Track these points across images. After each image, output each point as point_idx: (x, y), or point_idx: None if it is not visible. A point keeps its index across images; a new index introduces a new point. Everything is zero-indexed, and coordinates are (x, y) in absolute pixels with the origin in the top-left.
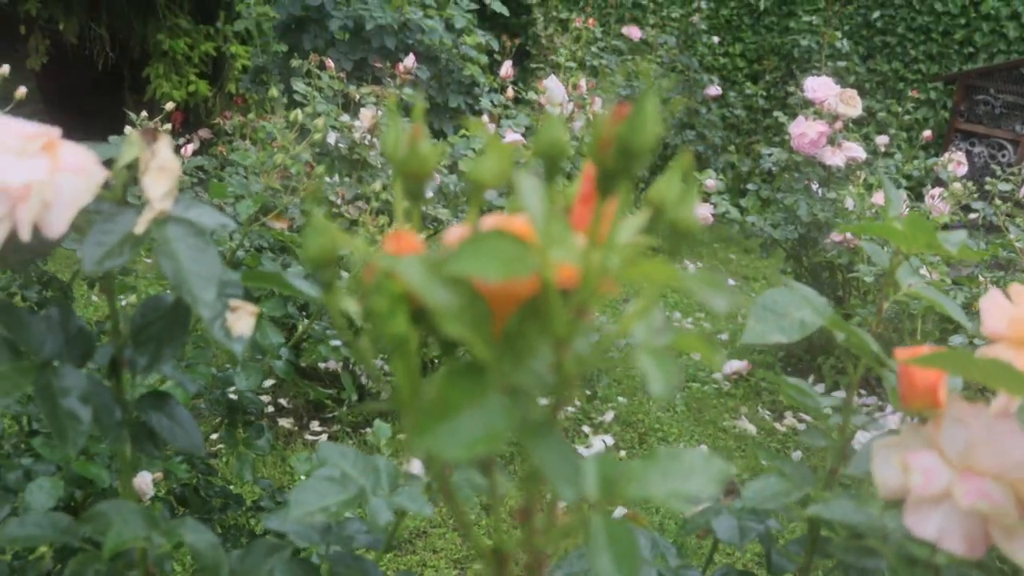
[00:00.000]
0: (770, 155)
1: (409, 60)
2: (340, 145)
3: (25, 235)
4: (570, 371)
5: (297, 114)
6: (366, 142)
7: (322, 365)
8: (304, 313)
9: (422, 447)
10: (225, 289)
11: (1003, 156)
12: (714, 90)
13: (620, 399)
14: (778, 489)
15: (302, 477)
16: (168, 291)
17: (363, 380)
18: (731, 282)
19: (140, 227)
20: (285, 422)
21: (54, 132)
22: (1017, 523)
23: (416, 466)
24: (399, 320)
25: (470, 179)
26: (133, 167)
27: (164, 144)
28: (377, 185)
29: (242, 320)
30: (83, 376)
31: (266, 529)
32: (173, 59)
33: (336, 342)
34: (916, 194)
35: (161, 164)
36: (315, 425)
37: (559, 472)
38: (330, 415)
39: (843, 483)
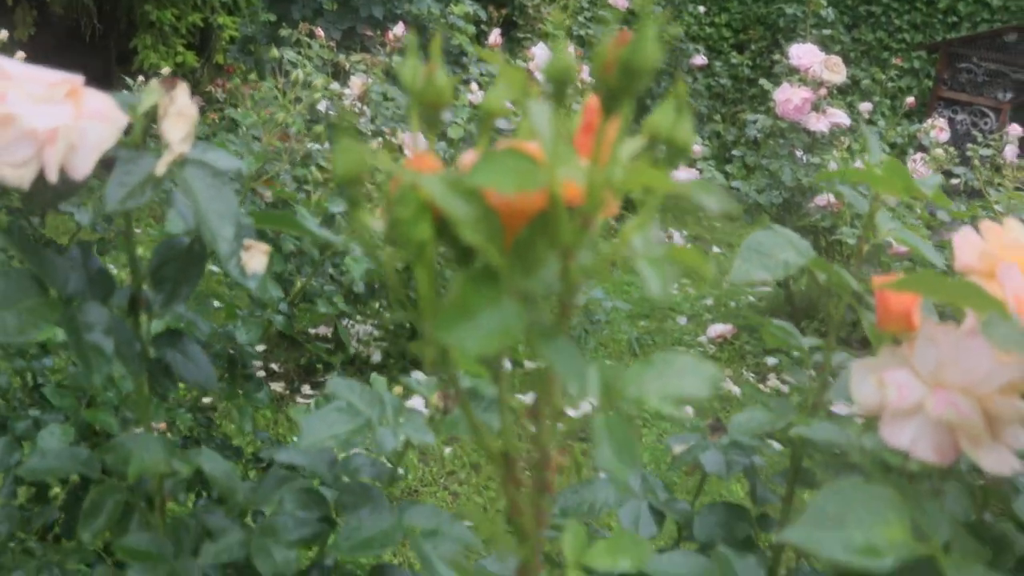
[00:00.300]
0: (755, 122)
1: (399, 28)
2: (331, 112)
3: (53, 176)
4: (575, 279)
5: (298, 74)
6: (356, 110)
7: (312, 331)
8: (300, 272)
9: (445, 342)
10: (239, 231)
11: (985, 124)
12: (700, 60)
13: (607, 363)
14: (763, 419)
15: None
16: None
17: (354, 344)
18: (716, 249)
19: (161, 168)
20: (277, 386)
21: (77, 80)
22: (983, 432)
23: (417, 403)
24: (423, 227)
25: (481, 109)
26: (150, 115)
27: (182, 91)
28: (373, 145)
29: (256, 258)
30: (105, 311)
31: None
32: (160, 30)
33: (326, 309)
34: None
35: (179, 110)
36: (307, 388)
37: (567, 369)
38: (321, 379)
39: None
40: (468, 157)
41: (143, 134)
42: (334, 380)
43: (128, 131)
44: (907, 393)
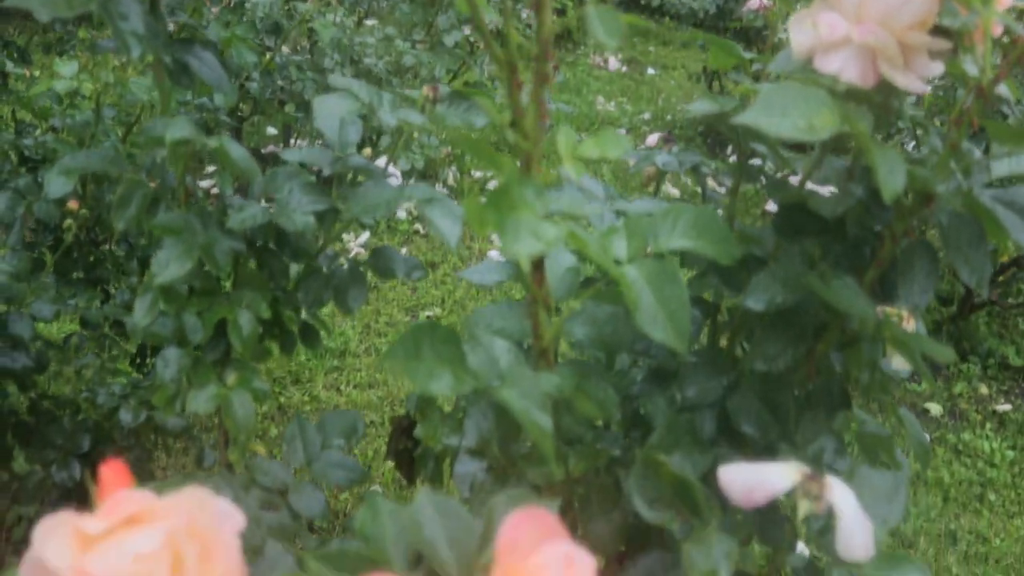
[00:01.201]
0: None
1: None
2: None
3: None
4: None
5: None
6: None
7: (264, 150)
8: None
9: None
10: None
11: None
12: None
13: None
14: (713, 106)
15: None
16: None
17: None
18: (651, 71)
19: None
20: None
21: None
22: (896, 55)
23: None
24: None
25: None
26: None
27: None
28: None
29: None
30: (135, 3)
31: None
32: None
33: (298, 75)
34: None
35: None
36: None
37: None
38: None
39: None
40: None
41: None
42: (334, 77)
43: None
44: (835, 29)
